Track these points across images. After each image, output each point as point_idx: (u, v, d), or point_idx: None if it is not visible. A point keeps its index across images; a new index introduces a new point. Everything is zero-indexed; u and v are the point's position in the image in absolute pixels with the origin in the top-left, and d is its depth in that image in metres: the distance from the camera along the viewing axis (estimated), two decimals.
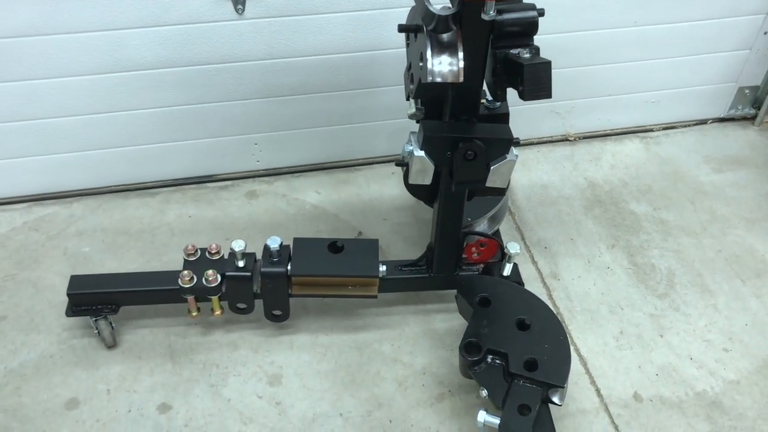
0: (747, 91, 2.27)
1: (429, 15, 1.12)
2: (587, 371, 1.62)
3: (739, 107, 2.31)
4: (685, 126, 2.32)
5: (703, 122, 2.33)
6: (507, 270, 1.58)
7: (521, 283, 1.62)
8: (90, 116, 1.82)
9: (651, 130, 2.30)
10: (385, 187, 2.08)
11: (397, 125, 2.06)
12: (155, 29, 1.70)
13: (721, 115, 2.33)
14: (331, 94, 1.95)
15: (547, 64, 1.13)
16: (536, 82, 1.13)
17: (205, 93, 1.85)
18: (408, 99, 1.39)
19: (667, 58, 2.12)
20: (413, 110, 1.37)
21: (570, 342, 1.55)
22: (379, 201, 2.04)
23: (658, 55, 2.10)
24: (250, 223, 1.94)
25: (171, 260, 1.81)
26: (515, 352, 1.36)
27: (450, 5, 1.15)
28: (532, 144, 2.22)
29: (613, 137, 2.27)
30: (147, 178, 2.01)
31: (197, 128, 1.93)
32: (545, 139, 2.24)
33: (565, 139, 2.25)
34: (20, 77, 1.71)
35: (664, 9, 1.99)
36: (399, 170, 1.66)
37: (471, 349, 1.38)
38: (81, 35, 1.66)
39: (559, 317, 1.71)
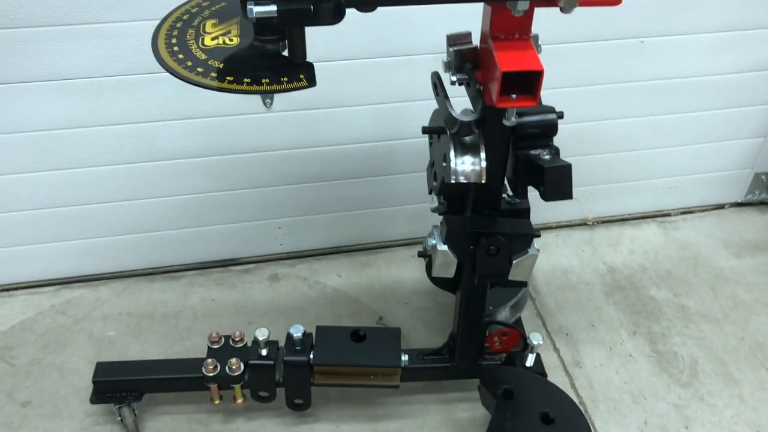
0: (763, 176, 2.30)
1: (452, 120, 1.17)
2: None
3: (756, 192, 2.33)
4: (703, 210, 2.34)
5: (720, 207, 2.35)
6: (530, 360, 1.58)
7: (544, 374, 1.61)
8: (120, 203, 1.88)
9: (669, 215, 2.32)
10: (405, 271, 2.10)
11: (417, 210, 2.10)
12: (187, 121, 1.77)
13: (738, 200, 2.35)
14: (353, 180, 2.01)
15: (567, 168, 1.17)
16: (557, 184, 1.16)
17: (232, 180, 1.91)
18: (430, 193, 1.43)
19: (682, 146, 2.16)
20: (436, 204, 1.40)
21: None
22: (400, 284, 2.06)
23: (674, 142, 2.15)
24: (272, 307, 1.96)
25: (194, 345, 1.83)
26: None
27: (472, 110, 1.20)
28: (551, 228, 2.25)
29: (631, 222, 2.29)
30: (172, 261, 2.05)
31: (223, 214, 1.98)
32: (564, 224, 2.26)
33: (583, 224, 2.27)
34: (56, 167, 1.78)
35: (678, 99, 2.04)
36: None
37: None
38: (117, 127, 1.74)
39: (582, 407, 1.70)
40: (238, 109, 1.78)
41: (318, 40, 1.61)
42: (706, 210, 2.34)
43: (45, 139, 1.72)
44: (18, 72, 1.60)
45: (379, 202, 2.09)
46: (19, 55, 1.57)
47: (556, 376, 1.77)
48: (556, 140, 1.29)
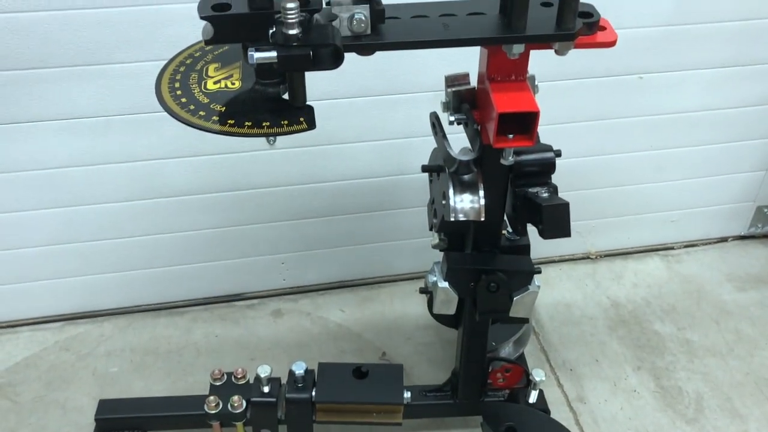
0: (766, 209, 2.30)
1: (450, 159, 1.19)
2: None
3: (759, 225, 2.34)
4: (706, 244, 2.34)
5: (723, 240, 2.35)
6: (533, 397, 1.57)
7: (547, 411, 1.60)
8: (125, 239, 1.90)
9: (672, 248, 2.32)
10: (409, 305, 2.10)
11: (420, 244, 2.11)
12: (192, 159, 1.79)
13: (742, 233, 2.35)
14: (356, 215, 2.02)
15: (565, 206, 1.18)
16: (555, 222, 1.17)
17: (236, 216, 1.93)
18: (431, 230, 1.44)
19: (684, 179, 2.17)
20: (437, 241, 1.41)
21: None
22: (403, 319, 2.06)
23: (675, 176, 2.16)
24: (274, 343, 1.97)
25: (196, 381, 1.83)
26: None
27: (470, 148, 1.22)
28: (554, 262, 2.25)
29: (634, 255, 2.29)
30: (176, 297, 2.06)
31: (227, 249, 2.00)
32: (567, 257, 2.27)
33: (586, 257, 2.27)
34: (62, 204, 1.80)
35: (678, 133, 2.06)
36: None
37: None
38: (123, 165, 1.76)
39: None
40: (243, 147, 1.80)
41: (320, 79, 1.64)
42: (709, 243, 2.35)
43: (52, 177, 1.75)
44: (25, 112, 1.63)
45: (382, 237, 2.10)
46: (27, 95, 1.60)
47: (559, 412, 1.76)
48: (559, 174, 1.29)
